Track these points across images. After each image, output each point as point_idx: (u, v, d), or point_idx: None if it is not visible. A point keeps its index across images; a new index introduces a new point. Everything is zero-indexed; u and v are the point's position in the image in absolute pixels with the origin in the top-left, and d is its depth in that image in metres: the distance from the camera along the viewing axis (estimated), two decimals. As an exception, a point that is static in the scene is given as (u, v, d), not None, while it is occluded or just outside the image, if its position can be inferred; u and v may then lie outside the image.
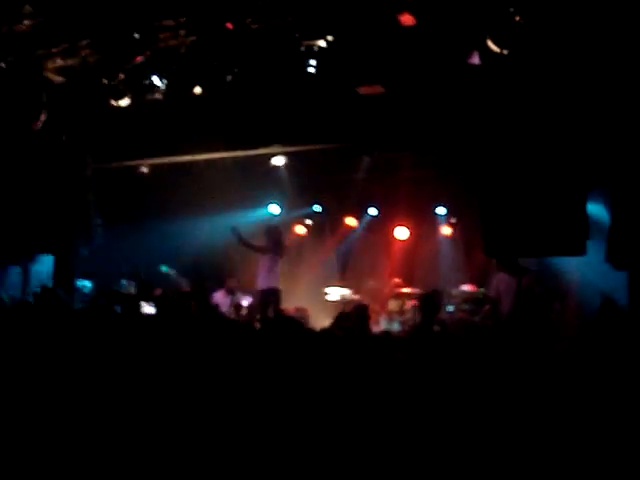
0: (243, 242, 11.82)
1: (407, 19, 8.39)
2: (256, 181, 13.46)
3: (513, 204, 8.67)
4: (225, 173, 13.05)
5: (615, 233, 8.10)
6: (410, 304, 11.85)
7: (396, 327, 11.45)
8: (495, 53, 7.92)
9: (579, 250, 9.00)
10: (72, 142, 11.41)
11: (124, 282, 12.64)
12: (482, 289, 12.14)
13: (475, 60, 8.21)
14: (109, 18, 8.70)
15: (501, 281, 10.65)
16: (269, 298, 11.50)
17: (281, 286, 11.92)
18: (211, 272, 13.33)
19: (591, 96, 8.07)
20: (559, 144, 8.45)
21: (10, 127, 9.74)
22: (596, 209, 8.90)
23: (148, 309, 7.86)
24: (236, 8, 8.49)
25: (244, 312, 12.07)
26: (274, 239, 11.89)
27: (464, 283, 12.37)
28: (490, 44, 7.89)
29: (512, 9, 7.64)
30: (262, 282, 11.75)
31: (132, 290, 12.76)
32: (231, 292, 12.56)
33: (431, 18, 8.32)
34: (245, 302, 12.40)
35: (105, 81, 9.95)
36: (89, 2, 8.65)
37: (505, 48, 7.81)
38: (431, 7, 8.33)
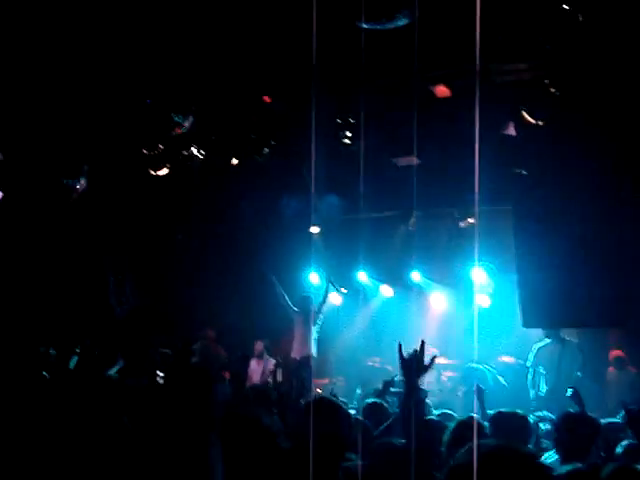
0: (279, 293, 11.86)
1: (442, 91, 8.50)
2: (294, 251, 13.51)
3: (551, 275, 8.58)
4: (262, 241, 13.13)
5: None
6: (446, 375, 11.67)
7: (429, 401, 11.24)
8: (530, 124, 7.95)
9: (621, 322, 8.86)
10: (110, 207, 11.61)
11: (159, 350, 12.62)
12: (520, 360, 11.94)
13: (511, 131, 8.25)
14: (151, 88, 8.91)
15: (543, 351, 10.47)
16: (301, 366, 11.45)
17: (317, 355, 11.91)
18: (246, 340, 13.29)
19: (628, 164, 8.04)
20: (596, 214, 8.40)
21: (49, 196, 9.93)
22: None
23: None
24: (273, 82, 8.66)
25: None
26: (305, 307, 11.98)
27: (502, 354, 12.18)
28: (525, 115, 7.92)
29: (547, 81, 7.68)
30: (295, 349, 11.79)
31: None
32: (260, 356, 12.49)
33: (466, 89, 8.40)
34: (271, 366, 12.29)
35: (145, 151, 10.15)
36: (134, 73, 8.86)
37: (540, 119, 7.84)
38: (466, 79, 8.42)
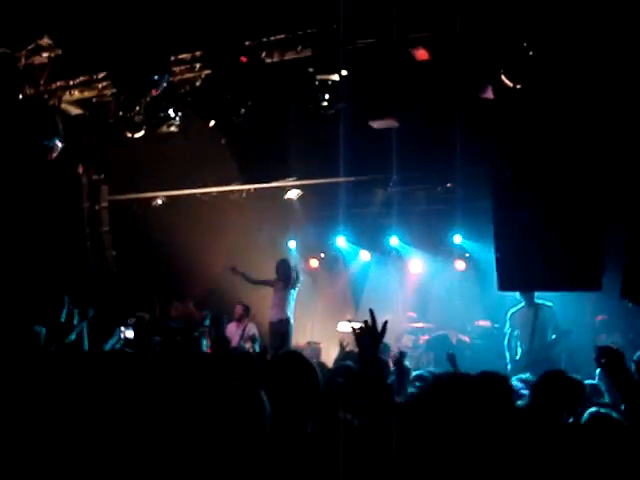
0: (248, 279, 12.09)
1: (422, 54, 8.43)
2: (271, 214, 13.49)
3: (527, 238, 8.62)
4: (239, 206, 13.10)
5: (630, 268, 8.01)
6: (423, 339, 11.78)
7: (408, 363, 11.35)
8: (509, 87, 7.91)
9: (595, 284, 8.92)
10: (87, 173, 11.52)
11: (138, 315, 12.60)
12: (496, 324, 12.08)
13: (489, 94, 8.22)
14: (126, 51, 8.78)
15: (517, 315, 10.56)
16: (279, 329, 11.57)
17: (295, 319, 11.96)
18: (224, 304, 13.32)
19: (606, 128, 8.05)
20: (573, 176, 8.42)
21: (26, 157, 9.81)
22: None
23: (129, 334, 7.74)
24: (251, 42, 8.57)
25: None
26: (283, 272, 12.03)
27: (478, 318, 12.31)
28: (504, 79, 7.89)
29: (526, 44, 7.64)
30: (273, 314, 11.88)
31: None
32: (240, 319, 12.54)
33: (445, 53, 8.35)
34: (255, 331, 12.35)
35: (121, 113, 10.04)
36: (106, 35, 8.75)
37: (518, 83, 7.81)
38: (445, 42, 8.36)
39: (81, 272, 11.74)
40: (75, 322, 6.38)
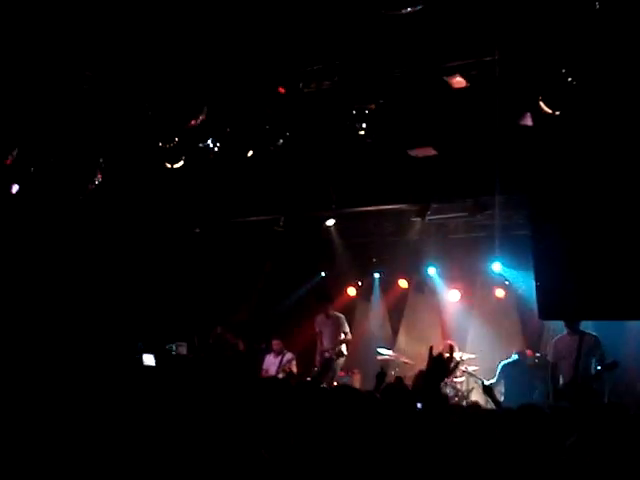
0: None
1: (458, 82, 8.42)
2: (309, 243, 13.51)
3: (568, 266, 8.52)
4: (277, 234, 13.14)
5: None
6: (462, 369, 11.62)
7: (449, 392, 11.22)
8: (547, 114, 7.86)
9: (638, 314, 8.77)
10: (126, 203, 11.64)
11: (175, 344, 12.70)
12: (538, 353, 11.89)
13: (528, 122, 8.17)
14: (165, 81, 8.89)
15: (561, 344, 10.36)
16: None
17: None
18: (263, 334, 13.34)
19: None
20: (614, 204, 8.32)
21: (65, 188, 9.95)
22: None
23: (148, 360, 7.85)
24: (288, 72, 8.63)
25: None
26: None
27: (518, 348, 12.12)
28: (542, 105, 7.84)
29: (564, 70, 7.59)
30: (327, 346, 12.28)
31: (184, 351, 12.82)
32: (278, 353, 12.62)
33: (482, 80, 8.33)
34: (293, 363, 12.40)
35: (161, 144, 10.15)
36: (144, 64, 8.87)
37: (557, 109, 7.75)
38: (482, 69, 8.35)
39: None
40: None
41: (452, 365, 4.13)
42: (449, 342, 5.10)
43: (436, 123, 8.92)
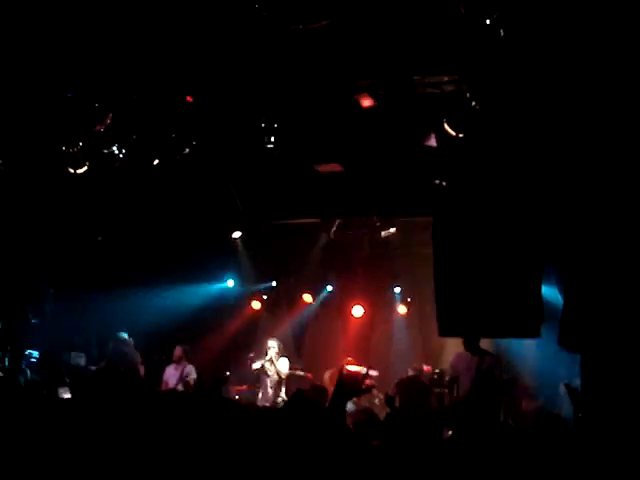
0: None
1: (366, 101, 8.54)
2: (213, 254, 13.39)
3: (468, 284, 8.69)
4: (183, 244, 12.97)
5: (568, 316, 8.14)
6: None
7: (349, 407, 11.26)
8: (451, 136, 8.05)
9: (534, 332, 9.02)
10: (26, 207, 11.26)
11: (72, 354, 12.35)
12: (437, 369, 12.10)
13: (432, 142, 8.34)
14: (71, 84, 8.67)
15: (461, 360, 10.57)
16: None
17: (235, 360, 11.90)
18: (164, 344, 13.12)
19: (544, 178, 8.22)
20: (513, 225, 8.55)
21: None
22: (550, 292, 8.94)
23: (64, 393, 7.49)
24: (197, 82, 8.56)
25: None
26: None
27: (420, 363, 12.32)
28: (447, 127, 8.02)
29: (468, 94, 7.80)
30: None
31: (82, 362, 12.49)
32: (179, 361, 12.31)
33: (390, 100, 8.47)
34: (193, 375, 12.15)
35: (64, 148, 9.89)
36: (52, 67, 8.63)
37: (461, 132, 7.95)
38: (390, 90, 8.49)
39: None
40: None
41: (364, 387, 4.14)
42: (365, 368, 5.15)
43: (344, 140, 8.99)
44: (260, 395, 12.18)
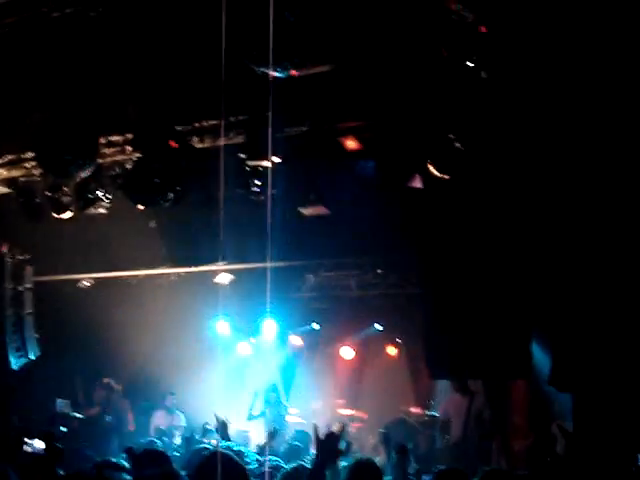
0: None
1: (351, 143, 8.55)
2: (200, 298, 13.28)
3: (457, 326, 8.65)
4: (169, 289, 12.89)
5: (558, 356, 8.09)
6: (354, 427, 11.57)
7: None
8: (436, 177, 8.05)
9: (524, 374, 8.97)
10: (12, 252, 11.18)
11: (58, 401, 12.16)
12: (428, 412, 11.98)
13: (417, 184, 8.33)
14: (54, 132, 8.66)
15: (451, 403, 10.49)
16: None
17: (224, 405, 11.68)
18: (152, 389, 12.97)
19: (532, 218, 8.23)
20: (501, 265, 8.54)
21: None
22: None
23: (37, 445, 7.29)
24: (182, 127, 8.57)
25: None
26: None
27: (410, 405, 12.19)
28: (431, 169, 8.02)
29: (452, 135, 7.82)
30: None
31: (68, 410, 12.31)
32: (170, 410, 12.26)
33: (374, 142, 8.48)
34: (183, 422, 12.04)
35: (48, 194, 9.86)
36: (34, 114, 8.65)
37: (446, 173, 7.95)
38: (375, 132, 8.51)
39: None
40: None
41: (343, 447, 4.06)
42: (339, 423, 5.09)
43: (329, 183, 8.98)
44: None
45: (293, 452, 7.70)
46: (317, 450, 4.02)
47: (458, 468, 5.33)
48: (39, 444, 7.16)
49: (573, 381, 8.12)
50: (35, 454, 6.92)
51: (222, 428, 7.08)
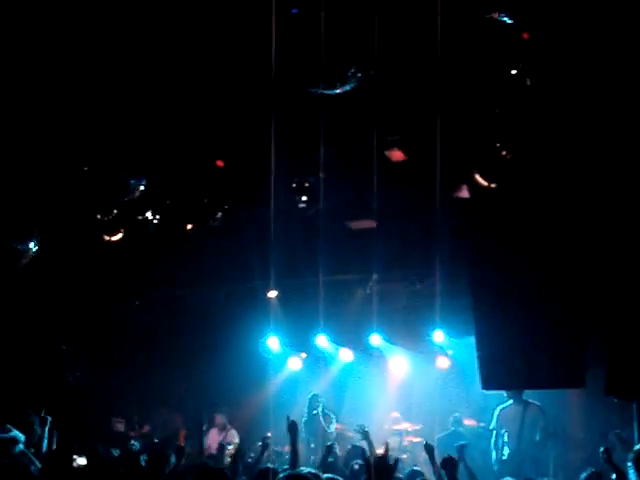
0: None
1: (397, 155, 8.57)
2: (251, 315, 13.36)
3: (509, 337, 8.57)
4: (219, 306, 12.99)
5: (615, 366, 7.96)
6: (408, 440, 11.50)
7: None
8: (483, 187, 8.02)
9: (579, 382, 8.83)
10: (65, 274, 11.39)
11: (113, 419, 12.33)
12: (482, 423, 11.84)
13: (464, 194, 8.31)
14: (104, 154, 8.84)
15: (505, 413, 10.35)
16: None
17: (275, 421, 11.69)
18: (204, 407, 13.05)
19: (581, 223, 8.15)
20: (553, 274, 8.44)
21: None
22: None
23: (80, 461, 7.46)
24: (226, 145, 8.67)
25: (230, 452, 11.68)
26: None
27: (463, 417, 12.07)
28: (478, 178, 8.00)
29: (499, 144, 7.79)
30: None
31: (121, 428, 12.44)
32: (222, 428, 12.28)
33: (420, 154, 8.49)
34: (236, 439, 12.03)
35: (99, 216, 10.04)
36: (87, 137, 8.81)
37: (493, 182, 7.91)
38: (420, 143, 8.51)
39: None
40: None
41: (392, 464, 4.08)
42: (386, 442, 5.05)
43: (376, 196, 9.00)
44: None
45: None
46: (369, 473, 4.06)
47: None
48: (82, 460, 7.31)
49: (633, 389, 7.99)
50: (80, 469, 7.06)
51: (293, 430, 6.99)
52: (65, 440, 9.63)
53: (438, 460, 6.56)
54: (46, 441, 7.66)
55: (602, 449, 6.81)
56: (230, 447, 11.76)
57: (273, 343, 13.91)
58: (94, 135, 8.66)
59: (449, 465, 6.20)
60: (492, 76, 7.00)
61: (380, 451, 4.14)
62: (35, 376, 11.61)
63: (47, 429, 7.61)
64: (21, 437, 7.14)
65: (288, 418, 7.12)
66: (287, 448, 11.96)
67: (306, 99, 7.42)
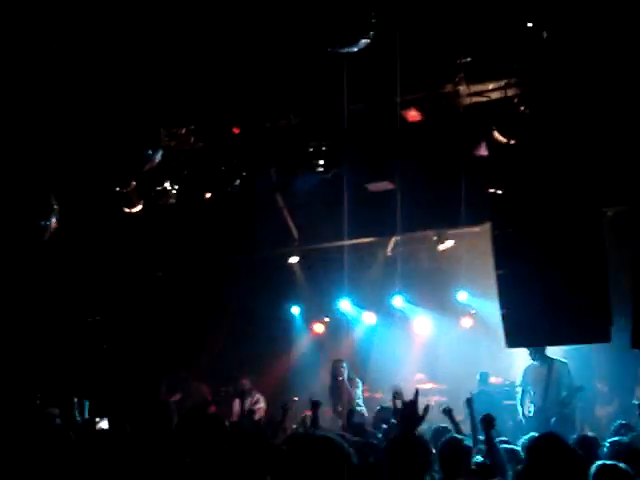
0: None
1: (413, 115, 8.48)
2: (273, 281, 13.40)
3: (532, 293, 8.52)
4: (241, 274, 13.04)
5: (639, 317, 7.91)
6: (434, 399, 11.53)
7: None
8: (502, 143, 7.93)
9: (604, 337, 8.78)
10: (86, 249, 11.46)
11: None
12: (507, 381, 11.86)
13: (483, 151, 8.22)
14: (118, 126, 8.82)
15: (530, 371, 10.35)
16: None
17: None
18: (229, 375, 13.15)
19: (600, 177, 8.05)
20: (574, 228, 8.36)
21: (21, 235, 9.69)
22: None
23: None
24: (242, 112, 8.62)
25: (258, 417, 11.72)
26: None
27: (489, 376, 12.09)
28: (497, 135, 7.91)
29: (516, 100, 7.68)
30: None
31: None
32: (243, 395, 12.27)
33: (436, 113, 8.40)
34: (262, 404, 12.10)
35: (117, 189, 10.06)
36: (99, 110, 8.80)
37: (512, 138, 7.82)
38: (436, 102, 8.42)
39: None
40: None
41: (422, 411, 4.07)
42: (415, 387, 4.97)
43: (394, 157, 8.93)
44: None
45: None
46: (398, 419, 4.05)
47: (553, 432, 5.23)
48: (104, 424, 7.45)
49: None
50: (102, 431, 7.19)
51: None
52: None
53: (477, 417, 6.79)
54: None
55: (638, 402, 6.75)
56: (259, 408, 11.85)
57: (296, 308, 13.98)
58: (108, 108, 8.64)
59: (486, 422, 6.42)
60: (508, 29, 6.90)
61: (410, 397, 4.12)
62: (65, 352, 11.77)
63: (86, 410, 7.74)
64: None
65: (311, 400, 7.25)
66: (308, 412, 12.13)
67: (316, 61, 7.36)
